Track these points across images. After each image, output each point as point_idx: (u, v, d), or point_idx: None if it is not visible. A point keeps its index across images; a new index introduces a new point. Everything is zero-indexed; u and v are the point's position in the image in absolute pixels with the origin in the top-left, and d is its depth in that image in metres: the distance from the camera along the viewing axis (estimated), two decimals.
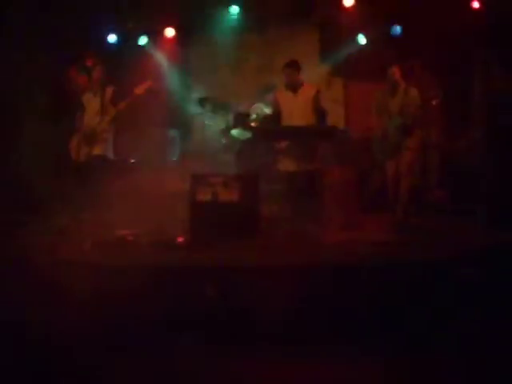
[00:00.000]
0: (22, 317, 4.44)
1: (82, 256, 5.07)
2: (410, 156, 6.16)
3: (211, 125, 8.20)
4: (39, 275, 4.71)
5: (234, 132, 7.82)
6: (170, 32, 8.79)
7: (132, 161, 7.61)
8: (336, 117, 8.19)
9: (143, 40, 8.71)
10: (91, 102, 6.48)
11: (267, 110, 7.58)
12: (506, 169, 6.18)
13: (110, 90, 6.41)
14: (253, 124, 7.61)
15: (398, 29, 8.07)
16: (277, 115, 6.49)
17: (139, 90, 6.31)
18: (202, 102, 7.93)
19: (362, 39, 8.38)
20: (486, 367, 3.81)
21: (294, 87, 6.33)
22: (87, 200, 6.70)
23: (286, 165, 6.35)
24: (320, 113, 6.37)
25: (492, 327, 4.18)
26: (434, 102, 6.05)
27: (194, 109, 8.32)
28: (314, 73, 8.31)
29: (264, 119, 7.60)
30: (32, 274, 4.73)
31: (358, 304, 4.49)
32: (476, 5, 7.51)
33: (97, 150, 6.39)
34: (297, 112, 6.28)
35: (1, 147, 6.64)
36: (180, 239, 5.42)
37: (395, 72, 6.13)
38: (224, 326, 4.46)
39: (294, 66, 6.35)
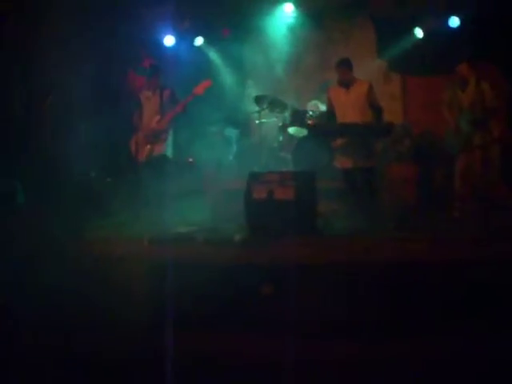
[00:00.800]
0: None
1: (140, 253, 5.15)
2: (484, 153, 5.99)
3: (268, 123, 8.23)
4: (101, 271, 4.87)
5: (291, 129, 7.79)
6: (225, 32, 8.85)
7: (190, 160, 7.72)
8: (394, 112, 8.07)
9: (199, 40, 8.80)
10: (150, 102, 6.58)
11: (324, 108, 7.54)
12: None
13: (167, 92, 6.51)
14: (309, 121, 7.57)
15: (456, 20, 7.84)
16: (331, 112, 6.49)
17: (198, 89, 6.36)
18: (258, 100, 7.94)
19: (419, 32, 8.20)
20: None
21: (346, 84, 6.30)
22: (147, 198, 6.90)
23: (343, 162, 6.32)
24: (376, 109, 6.30)
25: None
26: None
27: (250, 107, 8.32)
28: (370, 68, 8.23)
29: (320, 116, 7.55)
30: (94, 270, 4.88)
31: (417, 301, 4.42)
32: None
33: (157, 150, 6.49)
34: (350, 109, 6.25)
35: (60, 145, 6.77)
36: (237, 237, 5.44)
37: (463, 68, 5.98)
38: (280, 323, 4.47)
39: (346, 64, 6.33)
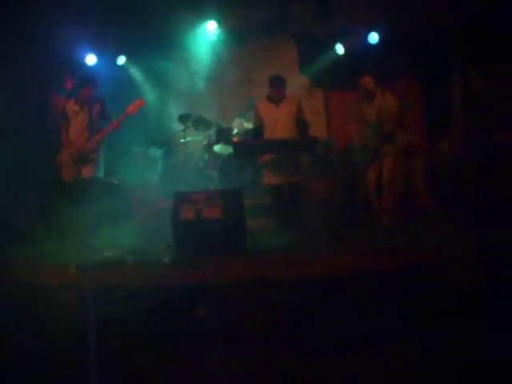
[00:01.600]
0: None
1: (68, 279, 5.00)
2: (391, 162, 6.11)
3: (193, 141, 8.18)
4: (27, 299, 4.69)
5: (217, 148, 7.79)
6: (148, 50, 8.76)
7: (115, 181, 7.55)
8: (318, 128, 8.20)
9: (122, 60, 8.66)
10: (77, 116, 6.29)
11: (249, 125, 7.57)
12: (489, 171, 6.19)
13: (97, 106, 6.27)
14: (235, 139, 7.58)
15: (375, 36, 8.07)
16: (259, 128, 6.47)
17: (132, 108, 6.22)
18: (182, 118, 7.88)
19: (339, 49, 8.39)
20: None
21: (276, 100, 6.33)
22: (73, 221, 6.70)
23: (270, 178, 6.33)
24: (302, 124, 6.36)
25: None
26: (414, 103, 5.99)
27: (175, 126, 8.26)
28: (294, 84, 8.31)
29: (246, 133, 7.58)
30: (20, 298, 4.70)
31: (343, 315, 4.48)
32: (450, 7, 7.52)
33: (86, 172, 6.27)
34: (280, 124, 6.27)
35: None
36: (165, 258, 5.36)
37: (368, 81, 6.10)
38: (215, 343, 4.43)
39: (282, 82, 6.34)
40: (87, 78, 6.49)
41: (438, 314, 4.41)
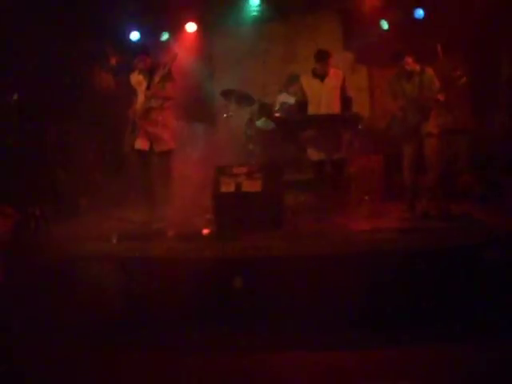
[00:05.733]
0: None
1: (109, 249, 5.12)
2: (434, 143, 5.97)
3: (236, 116, 8.20)
4: (70, 268, 4.83)
5: (259, 123, 7.80)
6: (191, 26, 8.80)
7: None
8: (360, 104, 8.11)
9: (165, 36, 8.72)
10: (141, 84, 6.20)
11: (291, 100, 7.54)
12: None
13: (158, 71, 6.00)
14: (277, 114, 7.58)
15: (420, 11, 7.91)
16: (303, 103, 6.41)
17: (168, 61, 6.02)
18: (226, 94, 7.90)
19: (384, 24, 8.25)
20: None
21: (321, 75, 6.27)
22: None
23: (313, 154, 6.31)
24: (346, 100, 6.31)
25: None
26: (460, 80, 5.79)
27: (218, 101, 8.29)
28: (337, 60, 8.22)
29: (289, 109, 7.56)
30: (62, 268, 4.84)
31: (386, 291, 4.48)
32: None
33: (159, 145, 6.15)
34: (325, 100, 6.22)
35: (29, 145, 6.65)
36: (206, 230, 5.45)
37: (408, 62, 5.98)
38: (251, 315, 4.49)
39: (328, 56, 6.27)
40: (137, 50, 6.48)
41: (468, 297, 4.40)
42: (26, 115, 6.62)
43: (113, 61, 8.45)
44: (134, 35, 8.52)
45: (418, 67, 5.98)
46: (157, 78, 5.95)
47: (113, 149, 7.83)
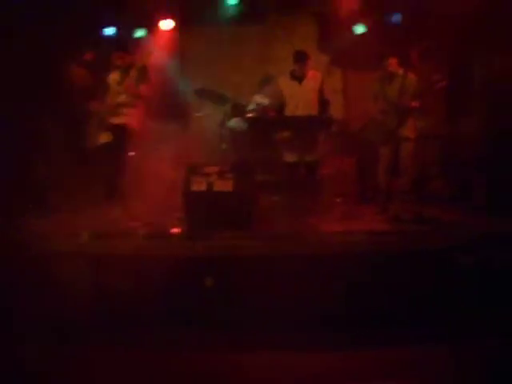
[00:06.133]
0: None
1: (79, 247, 5.03)
2: (410, 147, 6.02)
3: (208, 116, 8.15)
4: (36, 266, 4.73)
5: (232, 123, 7.76)
6: (167, 24, 8.72)
7: (132, 153, 7.56)
8: (335, 106, 8.11)
9: (140, 32, 8.63)
10: (117, 82, 6.23)
11: (265, 101, 7.52)
12: (505, 158, 6.09)
13: (134, 70, 6.22)
14: (251, 115, 7.54)
15: (398, 16, 7.95)
16: (280, 105, 6.39)
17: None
18: (199, 93, 7.85)
19: (360, 28, 8.28)
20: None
21: (299, 77, 6.27)
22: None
23: (287, 156, 6.30)
24: (324, 103, 6.30)
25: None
26: (439, 85, 5.85)
27: (191, 100, 8.23)
28: (313, 62, 8.24)
29: (263, 110, 7.53)
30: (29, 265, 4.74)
31: (354, 293, 4.47)
32: None
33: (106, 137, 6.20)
34: (302, 102, 6.22)
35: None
36: (176, 229, 5.38)
37: (391, 63, 6.01)
38: (221, 315, 4.45)
39: (307, 58, 6.30)
40: (118, 47, 6.53)
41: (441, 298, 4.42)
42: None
43: (88, 56, 8.32)
44: (110, 30, 8.42)
45: (401, 70, 6.02)
46: (133, 76, 5.93)
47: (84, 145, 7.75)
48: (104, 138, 6.06)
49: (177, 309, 4.50)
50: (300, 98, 6.24)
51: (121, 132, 6.11)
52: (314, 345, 4.18)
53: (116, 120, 6.09)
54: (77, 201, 6.91)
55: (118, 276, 4.72)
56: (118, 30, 8.42)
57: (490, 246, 4.74)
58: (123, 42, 7.56)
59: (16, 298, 4.56)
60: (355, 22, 8.33)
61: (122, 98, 5.99)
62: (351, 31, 8.37)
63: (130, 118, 6.16)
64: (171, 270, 4.60)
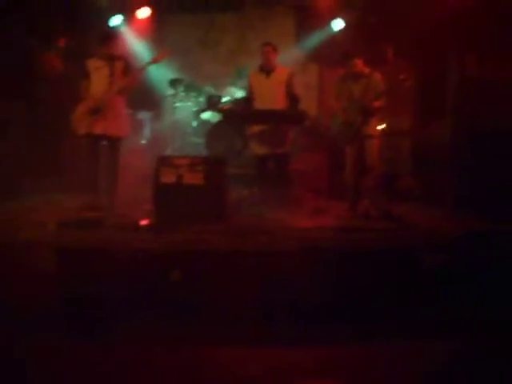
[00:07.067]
0: None
1: (47, 237, 4.97)
2: (375, 145, 6.07)
3: (183, 107, 8.11)
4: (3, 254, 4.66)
5: (205, 114, 7.73)
6: (144, 12, 8.64)
7: (104, 143, 7.50)
8: (309, 102, 8.16)
9: (117, 19, 8.52)
10: (100, 71, 6.00)
11: (239, 94, 7.51)
12: (475, 157, 6.17)
13: (121, 63, 6.02)
14: (224, 107, 7.52)
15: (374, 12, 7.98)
16: (249, 98, 6.41)
17: (158, 57, 6.04)
18: (174, 83, 7.81)
19: (336, 25, 8.30)
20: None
21: (267, 70, 6.25)
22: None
23: (257, 148, 6.29)
24: (292, 97, 6.29)
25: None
26: (405, 81, 5.90)
27: (165, 90, 8.17)
28: (288, 57, 8.24)
29: (236, 102, 7.52)
30: None
31: (322, 288, 4.50)
32: None
33: (99, 128, 5.95)
34: (269, 95, 6.19)
35: None
36: (144, 221, 5.34)
37: (357, 64, 6.03)
38: (188, 309, 4.44)
39: (271, 45, 6.26)
40: (109, 34, 6.31)
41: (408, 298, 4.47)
42: None
43: (61, 42, 8.21)
44: (117, 19, 8.43)
45: (367, 70, 6.04)
46: (118, 66, 5.88)
47: (55, 132, 7.65)
48: (96, 128, 5.94)
49: (142, 302, 4.45)
50: (266, 91, 6.22)
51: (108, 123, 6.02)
52: (277, 338, 4.19)
53: (109, 115, 5.98)
54: (47, 188, 6.88)
55: (82, 268, 4.66)
56: (95, 16, 8.33)
57: (456, 245, 4.80)
58: (105, 29, 7.46)
59: None
60: (332, 18, 8.35)
61: (114, 90, 5.91)
62: (328, 27, 8.39)
63: (119, 117, 6.07)
64: (137, 263, 4.57)
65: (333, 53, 8.10)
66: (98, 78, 6.01)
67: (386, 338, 4.12)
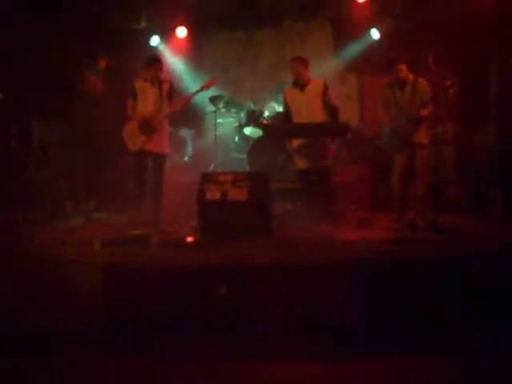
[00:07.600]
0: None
1: (92, 256, 5.03)
2: (425, 153, 5.97)
3: (224, 123, 8.17)
4: (47, 274, 4.73)
5: (247, 130, 7.76)
6: (182, 31, 8.75)
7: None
8: (350, 113, 8.11)
9: (155, 40, 8.67)
10: (147, 91, 6.25)
11: (280, 109, 7.51)
12: None
13: (166, 85, 6.28)
14: (265, 122, 7.54)
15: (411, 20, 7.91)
16: (286, 114, 6.42)
17: (207, 84, 6.36)
18: (214, 100, 7.86)
19: (375, 34, 8.26)
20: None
21: (301, 84, 6.24)
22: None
23: (299, 162, 6.27)
24: (331, 109, 6.25)
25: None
26: (450, 88, 5.83)
27: (206, 107, 8.24)
28: (327, 68, 8.24)
29: (276, 117, 7.53)
30: (40, 273, 4.75)
31: (372, 302, 4.43)
32: None
33: (148, 145, 6.22)
34: (306, 109, 6.17)
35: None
36: (190, 238, 5.37)
37: (402, 69, 5.96)
38: (236, 325, 4.43)
39: (299, 60, 6.26)
40: (155, 58, 6.49)
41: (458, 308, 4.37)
42: (11, 116, 6.56)
43: (103, 64, 8.39)
44: (155, 39, 8.66)
45: (411, 76, 5.97)
46: (165, 89, 6.21)
47: (98, 151, 7.82)
48: (148, 146, 6.17)
49: (190, 318, 4.46)
50: (303, 106, 6.20)
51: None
52: (327, 354, 4.14)
53: (157, 134, 6.22)
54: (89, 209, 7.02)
55: (130, 285, 4.70)
56: (134, 36, 8.48)
57: (505, 256, 4.67)
58: (151, 53, 7.60)
59: (26, 304, 4.56)
60: (369, 28, 8.31)
61: (163, 111, 6.15)
62: (366, 37, 8.35)
63: (165, 135, 6.33)
64: (184, 280, 4.58)
65: (373, 62, 8.08)
66: (145, 98, 6.24)
67: (438, 353, 4.02)
